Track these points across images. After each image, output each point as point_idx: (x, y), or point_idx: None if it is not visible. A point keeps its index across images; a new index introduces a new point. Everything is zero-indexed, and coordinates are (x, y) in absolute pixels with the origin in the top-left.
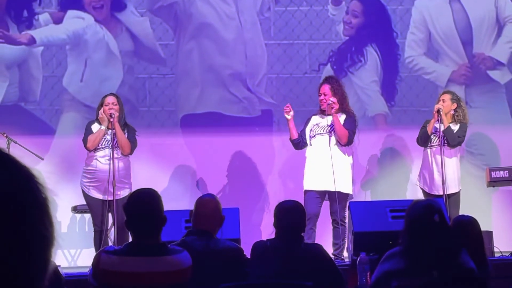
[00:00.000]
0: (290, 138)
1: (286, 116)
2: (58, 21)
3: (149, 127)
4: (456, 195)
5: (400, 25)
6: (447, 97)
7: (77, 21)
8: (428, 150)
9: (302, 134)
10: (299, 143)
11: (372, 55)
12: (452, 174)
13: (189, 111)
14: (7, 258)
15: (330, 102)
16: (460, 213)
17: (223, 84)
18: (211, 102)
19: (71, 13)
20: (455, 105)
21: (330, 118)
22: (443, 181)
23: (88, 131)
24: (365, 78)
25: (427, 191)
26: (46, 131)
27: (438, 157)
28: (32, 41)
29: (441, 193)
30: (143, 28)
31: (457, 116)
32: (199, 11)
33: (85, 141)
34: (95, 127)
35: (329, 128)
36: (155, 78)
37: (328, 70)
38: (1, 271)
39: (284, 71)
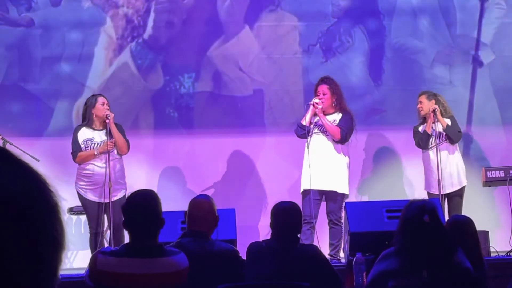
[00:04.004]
0: (300, 122)
1: (315, 106)
2: (56, 4)
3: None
4: (462, 190)
5: (387, 7)
6: (422, 97)
7: (74, 3)
8: (429, 152)
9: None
10: (304, 133)
11: (359, 36)
12: (457, 169)
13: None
14: (21, 261)
15: (312, 102)
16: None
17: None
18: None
19: None
20: (433, 101)
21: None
22: (439, 180)
23: (76, 143)
24: (353, 59)
25: (435, 192)
26: (41, 128)
27: (439, 156)
28: (31, 23)
29: (450, 190)
30: None
31: (443, 110)
32: None
33: (74, 154)
34: (82, 133)
35: (324, 128)
36: None
37: (317, 50)
38: (15, 275)
39: (275, 52)
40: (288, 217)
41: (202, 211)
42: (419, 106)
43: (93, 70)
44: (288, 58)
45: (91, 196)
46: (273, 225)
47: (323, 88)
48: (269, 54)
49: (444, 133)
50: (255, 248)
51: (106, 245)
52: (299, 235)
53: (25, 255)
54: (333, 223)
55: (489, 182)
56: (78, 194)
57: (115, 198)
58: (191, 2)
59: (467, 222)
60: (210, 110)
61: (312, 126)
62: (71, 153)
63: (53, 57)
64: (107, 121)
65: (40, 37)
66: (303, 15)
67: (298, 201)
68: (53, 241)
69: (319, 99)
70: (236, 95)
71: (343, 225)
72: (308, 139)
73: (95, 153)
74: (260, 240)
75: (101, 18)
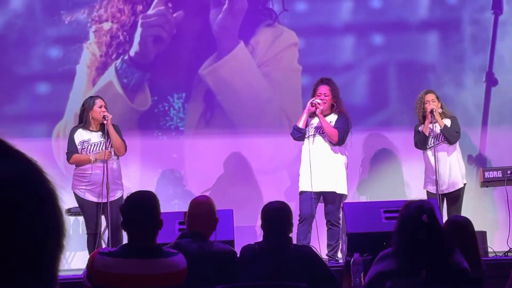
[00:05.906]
0: (296, 124)
1: (316, 106)
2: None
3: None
4: (461, 191)
5: (393, 21)
6: (433, 96)
7: (55, 17)
8: (428, 152)
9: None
10: (301, 136)
11: (363, 52)
12: (457, 169)
13: None
14: (26, 247)
15: (314, 102)
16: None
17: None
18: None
19: None
20: (440, 103)
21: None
22: (436, 181)
23: (72, 144)
24: (356, 76)
25: (434, 192)
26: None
27: (438, 156)
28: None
29: (448, 190)
30: None
31: (445, 112)
32: None
33: (69, 155)
34: (78, 135)
35: (322, 129)
36: None
37: (317, 68)
38: (21, 261)
39: (272, 70)
40: (278, 217)
41: (202, 211)
42: (431, 106)
43: (75, 89)
44: (287, 76)
45: (89, 197)
46: (264, 226)
47: (324, 89)
48: (266, 72)
49: (442, 134)
50: (248, 251)
51: (104, 246)
52: (290, 235)
53: (26, 239)
54: (332, 224)
55: (486, 183)
56: (76, 195)
57: (113, 199)
58: (181, 16)
59: (466, 223)
60: (201, 132)
61: (309, 128)
62: (66, 153)
63: (31, 76)
64: (105, 122)
65: (17, 54)
66: (302, 30)
67: (296, 202)
68: (55, 226)
69: (321, 99)
70: (230, 117)
71: (341, 226)
72: (306, 141)
73: (91, 159)
74: (252, 243)
75: (83, 33)
